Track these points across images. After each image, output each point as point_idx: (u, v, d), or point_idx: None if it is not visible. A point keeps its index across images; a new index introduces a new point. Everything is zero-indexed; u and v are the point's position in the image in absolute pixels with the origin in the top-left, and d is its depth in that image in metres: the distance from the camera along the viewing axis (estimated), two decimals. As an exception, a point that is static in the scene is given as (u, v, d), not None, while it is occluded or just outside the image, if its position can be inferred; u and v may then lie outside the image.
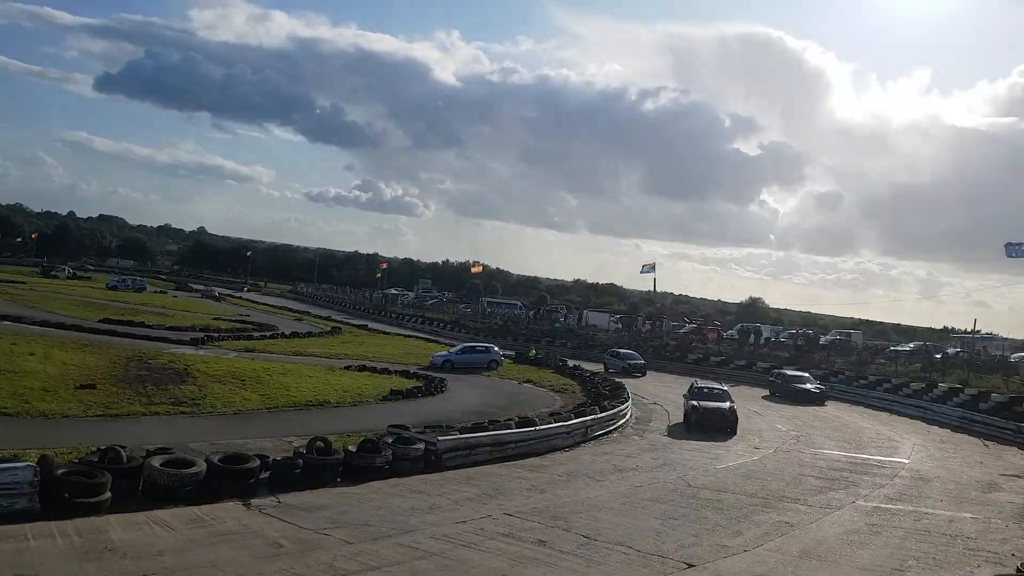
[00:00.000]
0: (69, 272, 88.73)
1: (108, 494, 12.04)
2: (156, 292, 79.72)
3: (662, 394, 36.06)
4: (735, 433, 26.20)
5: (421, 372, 34.85)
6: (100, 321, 42.37)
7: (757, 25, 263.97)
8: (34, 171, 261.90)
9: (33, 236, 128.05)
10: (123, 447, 13.64)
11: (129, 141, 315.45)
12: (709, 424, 26.41)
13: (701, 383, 30.77)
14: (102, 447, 13.78)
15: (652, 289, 66.22)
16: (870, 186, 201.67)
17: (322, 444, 15.68)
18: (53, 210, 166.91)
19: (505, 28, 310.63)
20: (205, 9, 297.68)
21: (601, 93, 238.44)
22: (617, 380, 35.00)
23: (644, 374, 45.15)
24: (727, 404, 27.27)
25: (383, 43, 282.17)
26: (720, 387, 29.88)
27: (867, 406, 38.51)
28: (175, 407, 21.77)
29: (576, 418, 23.44)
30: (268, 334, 46.94)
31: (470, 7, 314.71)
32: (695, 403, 27.37)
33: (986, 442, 29.18)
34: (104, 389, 22.83)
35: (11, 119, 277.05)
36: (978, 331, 55.64)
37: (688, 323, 74.78)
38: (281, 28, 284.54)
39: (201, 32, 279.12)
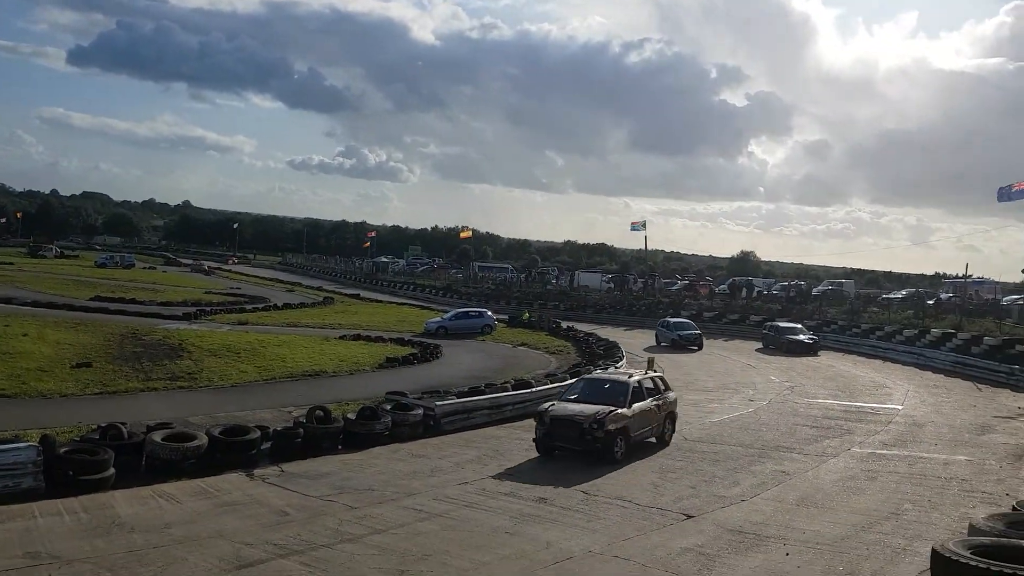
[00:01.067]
0: (57, 251, 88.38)
1: (111, 470, 12.14)
2: (145, 268, 79.50)
3: (657, 352, 36.30)
4: (611, 460, 15.11)
5: (416, 339, 34.95)
6: (91, 299, 42.22)
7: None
8: (13, 150, 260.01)
9: (18, 216, 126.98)
10: (123, 423, 13.73)
11: (107, 115, 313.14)
12: (559, 442, 15.62)
13: (599, 373, 19.72)
14: (102, 424, 13.85)
15: (644, 247, 66.19)
16: (858, 134, 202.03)
17: (321, 413, 15.78)
18: (35, 189, 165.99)
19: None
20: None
21: (584, 47, 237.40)
22: (635, 350, 35.02)
23: (701, 347, 38.73)
24: (595, 410, 15.32)
25: (358, 3, 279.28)
26: (622, 378, 17.17)
27: (860, 354, 38.79)
28: (172, 382, 21.83)
29: (572, 378, 23.53)
30: (261, 306, 46.87)
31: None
32: (545, 407, 16.23)
33: (979, 385, 29.45)
34: (100, 367, 22.86)
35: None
36: (970, 275, 55.75)
37: (680, 280, 75.05)
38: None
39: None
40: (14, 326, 28.58)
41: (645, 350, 35.14)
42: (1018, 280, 60.32)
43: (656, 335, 41.68)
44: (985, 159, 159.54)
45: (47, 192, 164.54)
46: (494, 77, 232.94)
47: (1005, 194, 42.40)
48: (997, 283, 60.77)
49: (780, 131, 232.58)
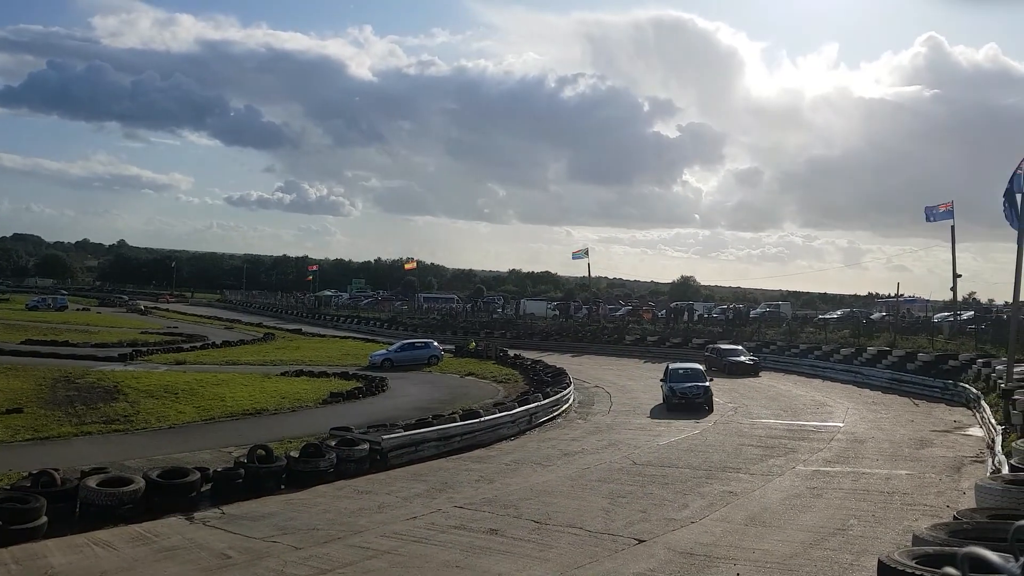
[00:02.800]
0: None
1: (44, 519, 11.60)
2: (79, 309, 77.41)
3: (604, 377, 36.46)
4: None
5: (361, 373, 34.50)
6: (22, 343, 40.88)
7: (668, 9, 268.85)
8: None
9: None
10: (56, 470, 13.18)
11: (38, 156, 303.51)
12: None
13: None
14: (34, 471, 13.27)
15: (587, 274, 66.81)
16: (787, 161, 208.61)
17: (263, 452, 15.40)
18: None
19: (418, 21, 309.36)
20: (108, 16, 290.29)
21: (520, 82, 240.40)
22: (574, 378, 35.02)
23: (711, 408, 27.01)
24: None
25: (295, 41, 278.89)
26: None
27: (800, 374, 39.46)
28: (107, 425, 21.15)
29: (520, 406, 23.52)
30: (199, 345, 46.02)
31: (381, 1, 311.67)
32: None
33: (916, 401, 30.09)
34: (32, 412, 22.08)
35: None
36: (901, 295, 57.74)
37: (624, 306, 75.86)
38: (188, 32, 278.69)
39: (105, 40, 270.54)
40: (-62, 373, 27.47)
41: (651, 415, 26.73)
42: (947, 298, 62.62)
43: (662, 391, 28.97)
44: (907, 182, 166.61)
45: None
46: (433, 112, 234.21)
47: (932, 214, 44.14)
48: (928, 301, 62.98)
49: (712, 160, 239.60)
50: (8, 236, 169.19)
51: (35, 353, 36.78)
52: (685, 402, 27.37)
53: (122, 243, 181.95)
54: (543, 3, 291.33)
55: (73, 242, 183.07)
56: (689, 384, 28.17)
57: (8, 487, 12.86)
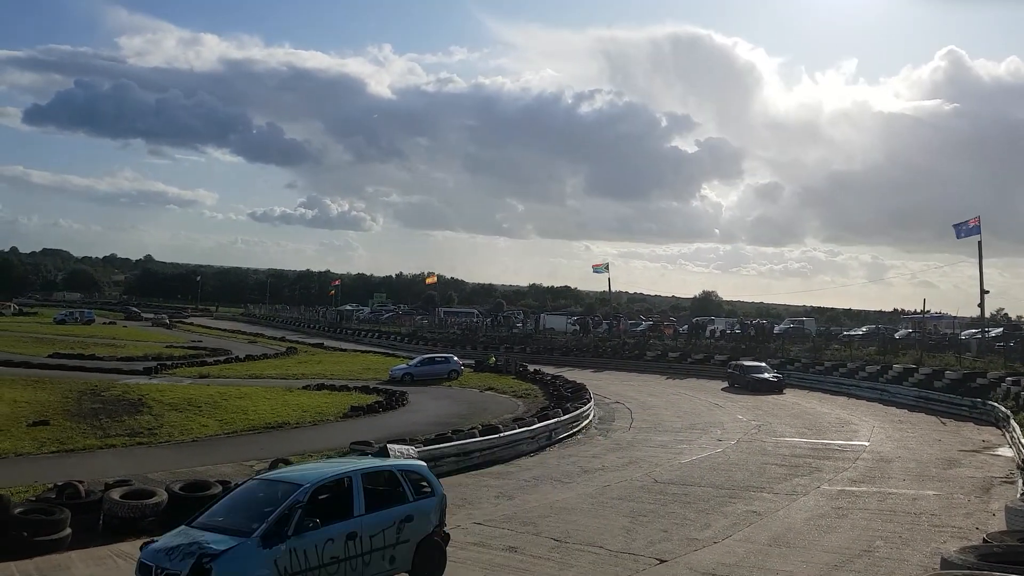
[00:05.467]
0: (15, 309, 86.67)
1: (68, 530, 11.73)
2: (105, 323, 78.25)
3: (624, 393, 36.25)
4: None
5: (381, 387, 34.54)
6: (50, 356, 41.40)
7: (685, 25, 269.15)
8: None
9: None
10: (81, 482, 13.32)
11: (66, 172, 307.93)
12: None
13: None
14: (59, 483, 13.42)
15: (607, 289, 66.67)
16: (808, 176, 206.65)
17: (284, 466, 15.42)
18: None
19: (437, 39, 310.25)
20: (134, 36, 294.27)
21: (537, 98, 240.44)
22: (579, 391, 34.87)
23: None
24: None
25: (316, 60, 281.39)
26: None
27: (825, 391, 39.07)
28: (131, 438, 21.31)
29: (540, 422, 23.44)
30: (222, 359, 46.34)
31: (400, 20, 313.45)
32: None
33: (943, 419, 29.72)
34: (58, 424, 22.29)
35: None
36: (928, 311, 57.01)
37: (644, 321, 75.49)
38: (212, 51, 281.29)
39: (131, 59, 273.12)
40: (-32, 385, 27.81)
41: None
42: (974, 315, 61.69)
43: None
44: (929, 196, 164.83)
45: (7, 250, 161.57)
46: (452, 128, 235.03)
47: (963, 230, 43.56)
48: (955, 318, 62.06)
49: (731, 175, 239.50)
50: (38, 251, 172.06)
51: (62, 366, 37.24)
52: None
53: (148, 258, 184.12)
54: (560, 21, 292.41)
55: (101, 257, 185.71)
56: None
57: (33, 498, 13.00)
